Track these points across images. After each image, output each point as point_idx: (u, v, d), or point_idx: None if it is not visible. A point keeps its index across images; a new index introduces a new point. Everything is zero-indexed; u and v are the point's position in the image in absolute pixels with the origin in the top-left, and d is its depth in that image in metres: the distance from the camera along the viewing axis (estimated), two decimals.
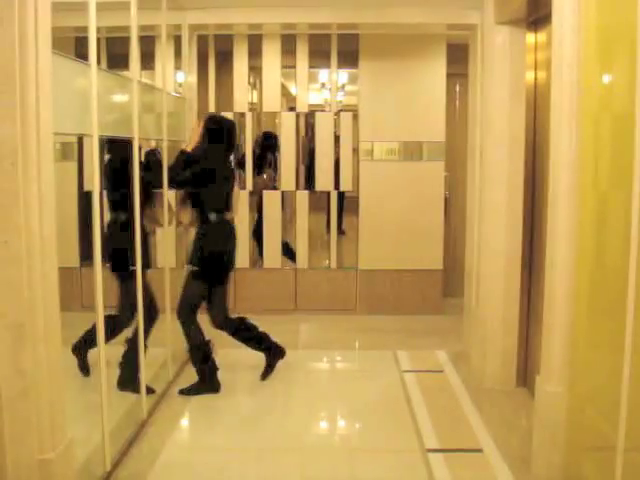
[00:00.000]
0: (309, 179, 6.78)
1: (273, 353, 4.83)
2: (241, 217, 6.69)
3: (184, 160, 4.42)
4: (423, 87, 6.58)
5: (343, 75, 6.85)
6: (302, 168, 6.82)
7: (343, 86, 6.94)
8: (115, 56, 5.05)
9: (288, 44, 6.56)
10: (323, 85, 7.02)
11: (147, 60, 5.02)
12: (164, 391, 4.56)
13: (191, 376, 4.63)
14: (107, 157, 4.23)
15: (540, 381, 3.39)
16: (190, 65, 5.41)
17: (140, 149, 4.11)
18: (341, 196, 6.84)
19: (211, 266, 4.52)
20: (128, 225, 4.01)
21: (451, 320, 6.29)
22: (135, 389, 4.10)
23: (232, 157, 4.85)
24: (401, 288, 6.74)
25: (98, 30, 3.25)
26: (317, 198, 6.85)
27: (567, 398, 3.18)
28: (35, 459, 2.68)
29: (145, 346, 4.13)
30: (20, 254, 2.55)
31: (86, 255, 5.70)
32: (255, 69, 6.70)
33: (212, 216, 4.50)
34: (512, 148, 4.50)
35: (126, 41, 3.97)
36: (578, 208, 3.08)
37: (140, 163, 4.08)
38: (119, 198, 4.18)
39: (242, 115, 6.67)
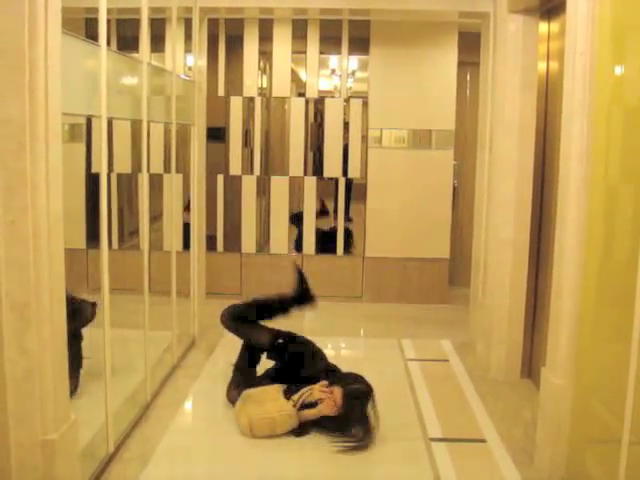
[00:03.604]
0: (317, 165, 6.76)
1: None
2: (248, 202, 6.71)
3: None
4: (434, 75, 6.54)
5: (353, 61, 6.81)
6: (310, 154, 6.80)
7: (353, 72, 6.90)
8: (125, 38, 5.03)
9: (299, 29, 6.52)
10: (333, 71, 6.99)
11: (157, 43, 4.99)
12: (168, 374, 4.56)
13: (195, 359, 4.65)
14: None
15: (545, 373, 3.38)
16: (200, 48, 5.39)
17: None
18: (349, 183, 6.83)
19: None
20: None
21: (457, 310, 6.29)
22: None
23: None
24: (407, 276, 6.73)
25: (108, 11, 3.24)
26: (325, 185, 6.83)
27: (572, 390, 3.17)
28: (38, 439, 2.68)
29: None
30: (27, 234, 2.54)
31: (93, 237, 5.73)
32: (265, 54, 6.67)
33: None
34: (522, 138, 4.47)
35: (136, 23, 3.95)
36: (588, 200, 3.06)
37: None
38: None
39: (251, 100, 6.66)
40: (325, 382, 3.82)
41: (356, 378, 3.88)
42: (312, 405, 3.77)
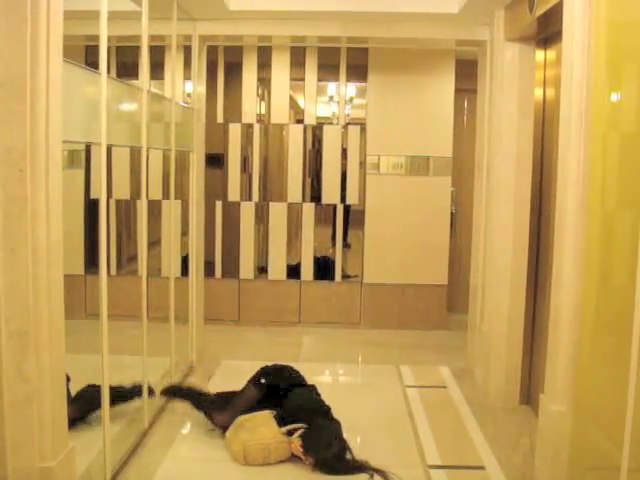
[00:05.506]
0: (316, 192, 6.79)
1: None
2: (246, 228, 6.73)
3: None
4: (431, 102, 6.59)
5: (351, 88, 6.86)
6: (309, 181, 6.82)
7: (351, 99, 6.94)
8: (125, 65, 5.06)
9: (297, 56, 6.59)
10: (331, 98, 7.03)
11: (156, 70, 5.02)
12: (166, 401, 4.54)
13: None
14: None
15: (544, 399, 3.37)
16: (199, 76, 5.42)
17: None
18: (347, 209, 6.85)
19: None
20: None
21: (455, 336, 6.28)
22: None
23: None
24: (405, 303, 6.72)
25: (109, 39, 3.26)
26: (323, 211, 6.85)
27: (571, 417, 3.16)
28: (36, 467, 2.67)
29: None
30: (26, 261, 2.55)
31: (91, 262, 5.73)
32: (264, 80, 6.72)
33: None
34: (520, 165, 4.49)
35: (136, 50, 3.98)
36: (585, 226, 3.07)
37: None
38: None
39: (250, 126, 6.69)
40: (300, 448, 3.70)
41: (329, 442, 3.75)
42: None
